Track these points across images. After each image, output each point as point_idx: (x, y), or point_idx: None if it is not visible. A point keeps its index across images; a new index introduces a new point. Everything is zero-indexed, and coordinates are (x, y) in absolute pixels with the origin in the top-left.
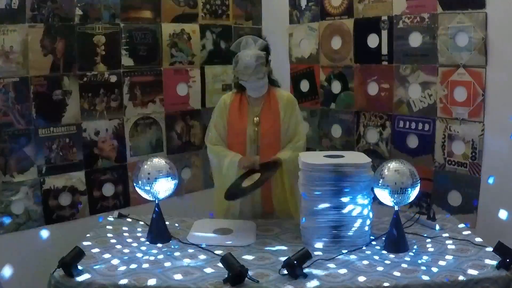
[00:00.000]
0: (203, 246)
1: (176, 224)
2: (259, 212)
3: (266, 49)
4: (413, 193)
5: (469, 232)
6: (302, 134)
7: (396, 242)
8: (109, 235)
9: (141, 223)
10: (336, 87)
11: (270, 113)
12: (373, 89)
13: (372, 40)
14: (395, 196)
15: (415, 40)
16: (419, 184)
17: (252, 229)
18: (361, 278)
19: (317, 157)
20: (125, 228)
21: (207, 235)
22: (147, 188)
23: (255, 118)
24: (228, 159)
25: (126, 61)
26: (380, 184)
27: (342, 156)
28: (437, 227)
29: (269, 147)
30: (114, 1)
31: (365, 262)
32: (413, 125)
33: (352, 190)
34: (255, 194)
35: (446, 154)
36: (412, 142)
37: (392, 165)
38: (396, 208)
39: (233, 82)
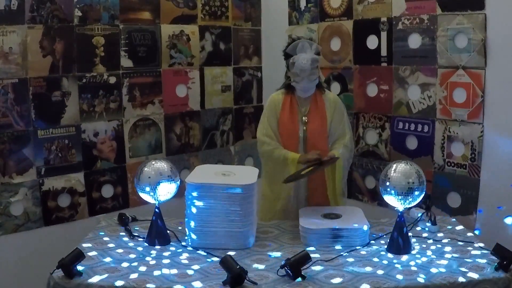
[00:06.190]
0: (202, 248)
1: (176, 226)
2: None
3: (319, 53)
4: (421, 194)
5: (468, 233)
6: (348, 130)
7: (399, 244)
8: (109, 236)
9: (141, 224)
10: (335, 88)
11: (317, 113)
12: (372, 90)
13: (372, 42)
14: (402, 197)
15: (415, 41)
16: (425, 184)
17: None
18: (361, 280)
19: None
20: (124, 230)
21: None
22: (148, 190)
23: (303, 118)
24: (288, 156)
25: (125, 62)
26: (386, 186)
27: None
28: (437, 228)
29: (316, 146)
30: (113, 2)
31: (365, 263)
32: (413, 127)
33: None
34: (299, 192)
35: (446, 155)
36: (412, 143)
37: (398, 166)
38: (401, 209)
39: (284, 83)
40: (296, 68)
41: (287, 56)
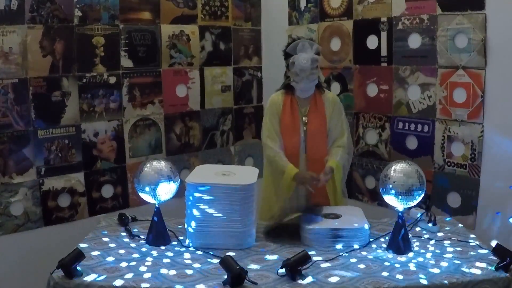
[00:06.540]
0: (202, 248)
1: (176, 226)
2: (303, 206)
3: (319, 53)
4: (421, 194)
5: (468, 233)
6: (346, 129)
7: (400, 244)
8: (109, 236)
9: (141, 224)
10: (335, 88)
11: (317, 113)
12: (372, 90)
13: (372, 42)
14: (402, 197)
15: (415, 41)
16: (425, 184)
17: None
18: (361, 280)
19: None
20: (124, 230)
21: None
22: (148, 190)
23: (303, 118)
24: (285, 170)
25: (125, 62)
26: (386, 186)
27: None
28: (436, 229)
29: (316, 146)
30: (113, 2)
31: (365, 263)
32: (412, 127)
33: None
34: (299, 192)
35: (446, 155)
36: (412, 143)
37: (398, 166)
38: (401, 209)
39: (284, 83)
40: (296, 68)
41: (287, 55)
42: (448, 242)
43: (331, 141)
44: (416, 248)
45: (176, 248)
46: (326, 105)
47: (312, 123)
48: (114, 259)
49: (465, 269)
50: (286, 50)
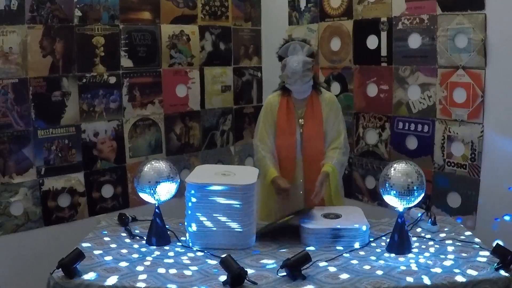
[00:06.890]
0: (202, 248)
1: (179, 225)
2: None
3: (312, 55)
4: (421, 194)
5: (468, 233)
6: (343, 129)
7: (400, 244)
8: (109, 236)
9: (141, 224)
10: (335, 88)
11: (313, 115)
12: (372, 90)
13: (372, 42)
14: (402, 197)
15: (415, 41)
16: (425, 184)
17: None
18: (361, 280)
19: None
20: (124, 230)
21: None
22: (149, 190)
23: (300, 120)
24: (266, 173)
25: (125, 62)
26: (386, 186)
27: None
28: (436, 228)
29: (312, 148)
30: (113, 2)
31: (365, 263)
32: (413, 127)
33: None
34: (296, 191)
35: (446, 155)
36: (412, 143)
37: (398, 166)
38: (401, 209)
39: (279, 85)
40: (288, 71)
41: (280, 58)
42: (449, 242)
43: (327, 142)
44: (416, 248)
45: (176, 248)
46: (323, 106)
47: (309, 126)
48: (114, 259)
49: (465, 269)
50: (278, 53)
